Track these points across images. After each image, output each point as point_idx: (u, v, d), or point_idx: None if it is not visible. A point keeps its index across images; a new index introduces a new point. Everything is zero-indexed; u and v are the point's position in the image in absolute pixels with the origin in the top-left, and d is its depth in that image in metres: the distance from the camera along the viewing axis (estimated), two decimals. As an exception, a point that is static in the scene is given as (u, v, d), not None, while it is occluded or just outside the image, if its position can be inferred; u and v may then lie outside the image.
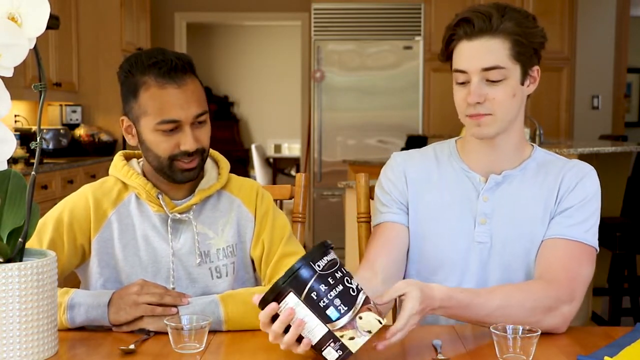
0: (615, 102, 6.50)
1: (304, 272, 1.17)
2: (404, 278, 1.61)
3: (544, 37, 1.51)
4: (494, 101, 1.48)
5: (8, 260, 1.24)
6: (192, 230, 1.60)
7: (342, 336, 1.16)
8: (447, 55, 1.54)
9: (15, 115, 5.04)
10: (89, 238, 1.59)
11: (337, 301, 1.17)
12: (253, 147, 9.81)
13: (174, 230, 1.59)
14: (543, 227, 1.53)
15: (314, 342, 1.18)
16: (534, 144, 1.64)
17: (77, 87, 5.66)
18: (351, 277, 1.21)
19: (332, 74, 6.13)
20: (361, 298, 1.19)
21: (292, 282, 1.17)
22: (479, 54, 1.47)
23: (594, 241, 1.52)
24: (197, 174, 1.58)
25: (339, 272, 1.19)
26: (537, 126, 4.07)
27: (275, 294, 1.19)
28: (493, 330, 1.26)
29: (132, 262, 1.58)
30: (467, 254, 1.56)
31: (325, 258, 1.20)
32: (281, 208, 1.81)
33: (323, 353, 1.19)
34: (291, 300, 1.18)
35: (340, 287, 1.18)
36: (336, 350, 1.17)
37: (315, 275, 1.18)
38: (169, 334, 1.32)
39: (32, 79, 4.69)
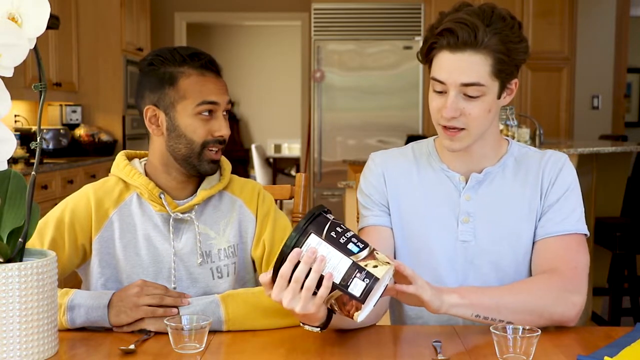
0: (615, 102, 6.51)
1: (320, 217, 1.25)
2: None
3: (526, 53, 1.48)
4: (469, 117, 1.46)
5: (8, 260, 1.24)
6: (194, 230, 1.60)
7: (366, 265, 1.21)
8: (427, 60, 1.51)
9: (15, 115, 5.04)
10: (90, 238, 1.59)
11: (355, 239, 1.24)
12: (253, 147, 9.81)
13: (176, 230, 1.60)
14: (530, 224, 1.55)
15: (339, 277, 1.21)
16: (508, 138, 1.64)
17: (77, 87, 5.66)
18: None
19: (332, 74, 6.13)
20: (370, 246, 1.25)
21: (312, 223, 1.24)
22: (459, 68, 1.43)
23: (584, 228, 1.54)
24: (218, 168, 1.62)
25: (342, 225, 1.27)
26: (537, 126, 4.07)
27: (298, 237, 1.23)
28: (493, 331, 1.26)
29: (132, 261, 1.59)
30: (452, 253, 1.56)
31: (329, 215, 1.27)
32: (281, 208, 1.82)
33: (349, 289, 1.21)
34: (313, 240, 1.23)
35: (352, 232, 1.26)
36: (362, 280, 1.20)
37: (330, 222, 1.25)
38: (169, 334, 1.32)
39: (32, 79, 4.70)
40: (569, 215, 1.53)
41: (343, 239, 1.23)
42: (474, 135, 1.50)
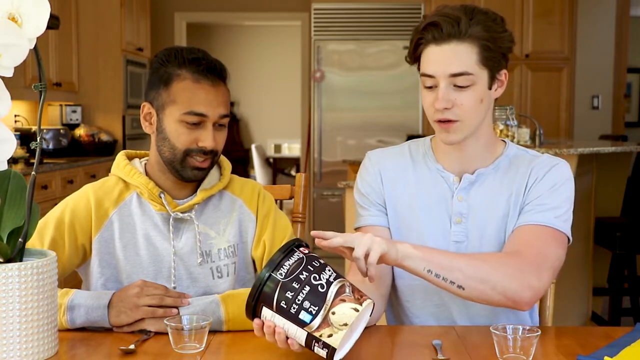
0: (615, 102, 6.50)
1: (268, 285, 1.20)
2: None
3: (512, 42, 1.50)
4: (461, 107, 1.48)
5: (8, 260, 1.24)
6: (194, 230, 1.60)
7: (320, 335, 1.18)
8: (414, 58, 1.54)
9: (15, 115, 5.04)
10: (90, 238, 1.59)
11: (307, 303, 1.18)
12: (253, 147, 9.81)
13: (176, 230, 1.60)
14: (514, 220, 1.54)
15: (302, 343, 1.20)
16: (506, 140, 1.64)
17: (77, 87, 5.66)
18: (321, 271, 1.21)
19: (332, 74, 6.13)
20: (332, 291, 1.19)
21: (260, 297, 1.20)
22: (447, 59, 1.46)
23: (566, 228, 1.50)
24: (205, 175, 1.60)
25: (304, 272, 1.20)
26: (537, 126, 4.07)
27: (252, 311, 1.22)
28: (493, 331, 1.26)
29: (132, 261, 1.59)
30: None
31: (287, 263, 1.21)
32: (281, 208, 1.82)
33: (315, 351, 1.21)
34: (267, 313, 1.21)
35: (307, 288, 1.19)
36: (322, 349, 1.19)
37: (280, 285, 1.19)
38: (169, 334, 1.32)
39: (32, 79, 4.69)
40: (549, 210, 1.50)
41: (294, 308, 1.18)
42: (468, 127, 1.50)
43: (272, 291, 1.19)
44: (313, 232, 1.31)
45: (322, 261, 1.24)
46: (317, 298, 1.18)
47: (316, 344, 1.18)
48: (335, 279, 1.21)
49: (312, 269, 1.21)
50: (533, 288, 1.40)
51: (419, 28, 1.50)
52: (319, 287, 1.19)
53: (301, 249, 1.25)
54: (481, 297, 1.40)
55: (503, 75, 1.52)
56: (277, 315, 1.20)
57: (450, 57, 1.45)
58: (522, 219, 1.51)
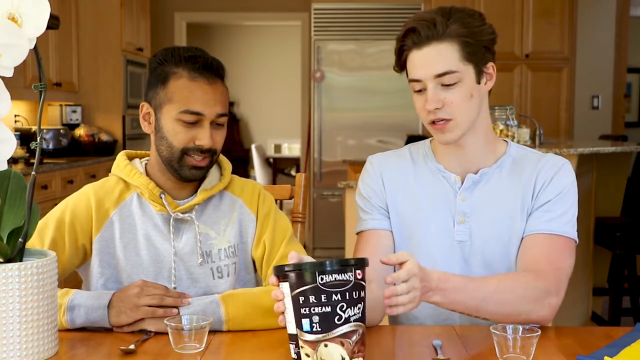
0: (615, 102, 6.50)
1: (305, 276, 1.17)
2: None
3: (493, 34, 1.52)
4: (451, 105, 1.49)
5: (8, 260, 1.24)
6: (194, 230, 1.60)
7: (302, 347, 1.18)
8: (401, 65, 1.56)
9: (15, 115, 5.04)
10: (90, 238, 1.59)
11: (316, 318, 1.16)
12: (253, 147, 9.81)
13: (176, 230, 1.60)
14: (521, 223, 1.55)
15: (288, 330, 1.22)
16: (507, 140, 1.64)
17: (77, 87, 5.66)
18: (351, 305, 1.17)
19: (332, 74, 6.13)
20: (342, 330, 1.16)
21: (291, 275, 1.19)
22: (429, 61, 1.48)
23: (573, 233, 1.53)
24: (204, 174, 1.60)
25: (339, 295, 1.16)
26: (537, 126, 4.06)
27: (278, 274, 1.22)
28: (493, 331, 1.26)
29: (133, 261, 1.59)
30: (449, 253, 1.57)
31: (334, 275, 1.17)
32: (281, 208, 1.81)
33: (290, 348, 1.23)
34: (285, 288, 1.20)
35: (328, 309, 1.16)
36: (295, 353, 1.21)
37: (312, 286, 1.17)
38: (169, 334, 1.32)
39: (32, 79, 4.69)
40: (559, 217, 1.52)
41: (304, 311, 1.16)
42: (462, 124, 1.51)
43: (303, 283, 1.17)
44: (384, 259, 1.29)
45: (362, 294, 1.20)
46: (327, 324, 1.16)
47: (294, 345, 1.21)
48: (355, 320, 1.18)
49: (347, 298, 1.17)
50: (552, 306, 1.45)
51: (399, 36, 1.52)
52: (337, 318, 1.16)
53: (358, 271, 1.19)
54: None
55: (490, 68, 1.54)
56: (289, 298, 1.19)
57: (433, 58, 1.48)
58: (533, 225, 1.53)
